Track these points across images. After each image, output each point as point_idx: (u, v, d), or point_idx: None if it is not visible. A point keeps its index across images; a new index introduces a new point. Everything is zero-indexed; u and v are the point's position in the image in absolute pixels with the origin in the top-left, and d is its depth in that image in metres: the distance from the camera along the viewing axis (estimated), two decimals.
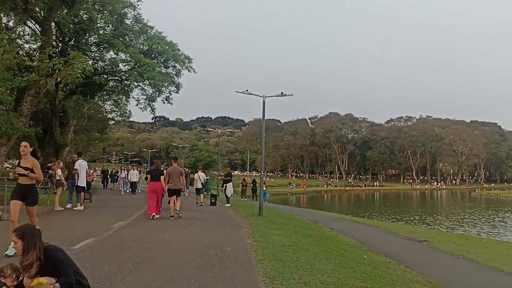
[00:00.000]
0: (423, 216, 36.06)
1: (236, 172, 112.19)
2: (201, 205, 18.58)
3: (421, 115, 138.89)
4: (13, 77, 13.95)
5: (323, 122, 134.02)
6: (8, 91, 13.43)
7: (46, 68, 15.22)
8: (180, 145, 77.89)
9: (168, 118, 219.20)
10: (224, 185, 19.67)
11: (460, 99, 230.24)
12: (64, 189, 14.22)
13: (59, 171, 13.77)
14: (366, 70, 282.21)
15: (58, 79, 17.65)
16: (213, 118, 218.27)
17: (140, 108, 32.50)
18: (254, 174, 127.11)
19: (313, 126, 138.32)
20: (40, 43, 18.03)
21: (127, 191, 26.43)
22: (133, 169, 26.83)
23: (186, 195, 24.69)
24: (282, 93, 14.26)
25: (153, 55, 30.03)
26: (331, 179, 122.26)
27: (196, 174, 20.65)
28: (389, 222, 25.71)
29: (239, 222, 12.27)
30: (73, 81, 17.07)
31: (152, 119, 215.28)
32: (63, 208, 13.68)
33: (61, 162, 14.85)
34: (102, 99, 37.57)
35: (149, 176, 13.25)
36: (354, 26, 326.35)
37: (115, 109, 56.83)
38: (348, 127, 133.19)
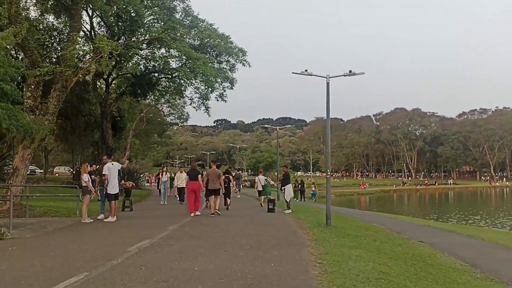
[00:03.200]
0: None
1: (299, 172, 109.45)
2: (262, 205, 19.43)
3: (497, 107, 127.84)
4: (25, 67, 12.16)
5: (388, 118, 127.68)
6: (15, 82, 11.62)
7: (71, 57, 13.39)
8: (239, 147, 76.15)
9: (230, 121, 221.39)
10: (282, 188, 16.81)
11: None
12: (92, 197, 12.17)
13: (85, 176, 11.69)
14: (433, 62, 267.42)
15: (89, 70, 15.81)
16: (274, 119, 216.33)
17: (194, 107, 30.67)
18: (318, 175, 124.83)
19: (378, 123, 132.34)
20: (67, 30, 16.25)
21: (165, 201, 19.20)
22: (181, 172, 19.59)
23: (238, 196, 25.93)
24: (350, 71, 11.40)
25: (205, 50, 27.97)
26: (400, 178, 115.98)
27: (256, 178, 22.25)
28: (492, 229, 21.66)
29: (300, 236, 9.50)
30: (104, 70, 15.05)
31: (214, 122, 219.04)
32: (92, 220, 11.68)
33: (90, 165, 12.78)
34: (156, 99, 36.05)
35: (187, 176, 15.13)
36: (415, 17, 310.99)
37: (172, 111, 56.51)
38: (416, 123, 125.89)
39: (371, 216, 19.94)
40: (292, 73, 11.72)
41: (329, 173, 11.82)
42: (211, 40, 27.71)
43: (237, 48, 28.24)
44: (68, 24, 15.41)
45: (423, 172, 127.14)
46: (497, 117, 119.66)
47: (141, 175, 49.79)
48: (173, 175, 22.86)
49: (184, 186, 17.13)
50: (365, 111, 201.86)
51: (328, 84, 11.39)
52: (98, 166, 14.42)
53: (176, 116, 56.89)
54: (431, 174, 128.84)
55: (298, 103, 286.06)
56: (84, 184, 11.77)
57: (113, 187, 12.00)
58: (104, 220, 11.92)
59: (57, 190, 18.71)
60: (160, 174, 21.18)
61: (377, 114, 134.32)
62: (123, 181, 16.74)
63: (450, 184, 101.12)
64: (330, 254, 7.24)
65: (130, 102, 33.00)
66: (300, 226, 11.47)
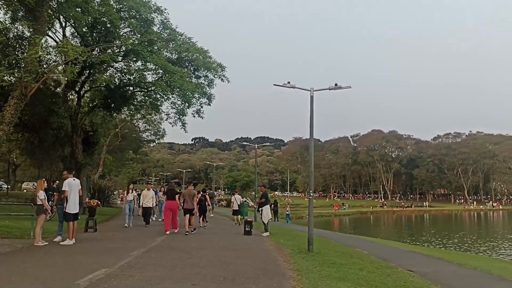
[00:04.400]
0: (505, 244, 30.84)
1: (276, 192, 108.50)
2: (237, 224, 20.17)
3: (470, 131, 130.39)
4: None
5: (365, 140, 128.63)
6: None
7: (31, 62, 12.21)
8: (215, 165, 74.94)
9: (208, 139, 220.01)
10: (260, 209, 15.72)
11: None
12: (48, 217, 10.88)
13: (40, 194, 10.38)
14: (408, 85, 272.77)
15: (59, 81, 14.68)
16: (252, 138, 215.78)
17: (170, 123, 29.56)
18: (296, 195, 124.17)
19: (355, 144, 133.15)
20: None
21: (131, 223, 16.59)
22: (148, 189, 17.68)
23: (211, 215, 25.44)
24: (336, 84, 10.61)
25: (183, 65, 27.03)
26: (376, 199, 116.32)
27: (232, 197, 21.94)
28: (478, 255, 20.99)
29: (281, 265, 8.48)
30: (68, 77, 13.87)
31: (192, 140, 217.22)
32: (46, 243, 10.38)
33: (51, 181, 11.46)
34: (131, 114, 34.75)
35: (165, 196, 15.76)
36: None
37: (148, 127, 55.13)
38: (392, 145, 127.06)
39: (352, 239, 19.06)
40: (274, 85, 10.88)
41: (311, 194, 10.86)
42: (189, 54, 26.86)
43: (216, 63, 27.39)
44: (30, 27, 14.21)
45: (399, 194, 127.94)
46: (470, 141, 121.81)
47: (114, 193, 48.04)
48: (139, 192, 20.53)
49: (151, 206, 16.59)
50: (343, 132, 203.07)
51: (312, 97, 10.58)
52: (58, 182, 13.12)
53: (152, 132, 55.57)
54: (407, 196, 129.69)
55: (276, 123, 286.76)
56: (39, 202, 10.44)
57: (73, 206, 10.70)
58: (61, 243, 10.57)
59: (18, 208, 17.08)
60: (126, 192, 18.03)
61: (354, 135, 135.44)
62: (87, 199, 15.49)
63: (426, 206, 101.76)
64: None
65: (104, 116, 31.66)
66: (280, 252, 10.47)
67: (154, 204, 18.04)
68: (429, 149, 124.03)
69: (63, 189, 10.74)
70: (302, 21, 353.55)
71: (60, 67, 12.31)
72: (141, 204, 17.10)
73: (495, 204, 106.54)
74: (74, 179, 10.86)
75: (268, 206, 15.61)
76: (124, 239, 12.22)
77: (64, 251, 9.46)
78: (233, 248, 11.02)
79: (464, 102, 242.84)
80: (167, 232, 14.17)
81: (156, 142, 65.68)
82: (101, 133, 32.89)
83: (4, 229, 11.56)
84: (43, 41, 13.81)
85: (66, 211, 10.57)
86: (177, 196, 15.25)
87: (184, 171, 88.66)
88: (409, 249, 15.22)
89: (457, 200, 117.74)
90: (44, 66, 12.91)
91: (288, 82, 10.69)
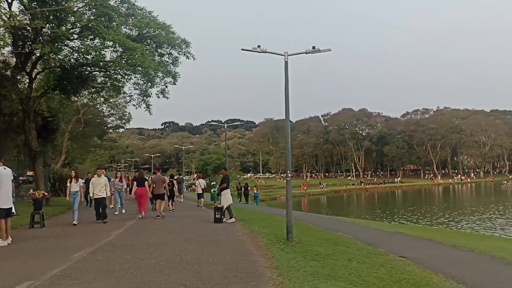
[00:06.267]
0: (478, 217, 30.55)
1: (249, 174, 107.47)
2: (202, 207, 21.08)
3: (438, 107, 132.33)
4: None
5: (336, 118, 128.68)
6: None
7: None
8: (184, 148, 73.09)
9: (178, 124, 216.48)
10: (220, 194, 14.38)
11: (478, 88, 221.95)
12: None
13: None
14: (378, 63, 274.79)
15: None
16: (223, 121, 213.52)
17: (134, 105, 27.83)
18: (268, 176, 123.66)
19: (326, 124, 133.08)
20: None
21: (75, 220, 13.22)
22: (98, 175, 14.08)
23: (181, 200, 26.39)
24: (314, 47, 9.14)
25: (144, 42, 25.10)
26: (348, 178, 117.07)
27: (196, 181, 22.72)
28: (473, 233, 20.13)
29: (257, 261, 7.08)
30: None
31: (162, 124, 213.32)
32: None
33: None
34: (92, 97, 32.51)
35: (134, 182, 15.93)
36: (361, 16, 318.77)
37: (113, 112, 52.73)
38: (363, 123, 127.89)
39: (332, 222, 17.92)
40: (242, 49, 9.32)
41: (289, 175, 9.47)
42: (151, 29, 25.02)
43: (180, 39, 25.58)
44: None
45: (370, 172, 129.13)
46: (438, 116, 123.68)
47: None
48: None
49: (104, 196, 13.68)
50: (313, 112, 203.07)
51: (286, 63, 9.12)
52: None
53: (117, 117, 53.26)
54: (378, 173, 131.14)
55: (247, 105, 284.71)
56: None
57: (5, 200, 8.93)
58: None
59: None
60: (69, 180, 13.82)
61: (325, 115, 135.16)
62: (31, 190, 13.66)
63: (397, 182, 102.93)
64: None
65: (61, 101, 29.35)
66: (255, 243, 9.07)
67: (109, 194, 14.78)
68: (399, 126, 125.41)
69: None
70: None
71: None
72: (91, 195, 14.11)
73: (463, 177, 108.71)
74: (4, 168, 9.08)
75: (228, 190, 14.36)
76: (72, 236, 10.55)
77: None
78: (200, 241, 9.54)
79: (431, 77, 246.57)
80: (140, 216, 15.15)
81: (124, 128, 63.47)
82: (61, 118, 30.62)
83: None
84: None
85: None
86: (146, 183, 15.92)
87: (152, 156, 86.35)
88: (393, 230, 14.13)
89: (426, 176, 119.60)
90: None
91: (258, 46, 9.19)
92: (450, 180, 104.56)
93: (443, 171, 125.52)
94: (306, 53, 9.26)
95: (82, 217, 13.70)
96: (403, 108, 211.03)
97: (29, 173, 41.73)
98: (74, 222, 13.05)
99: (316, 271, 6.39)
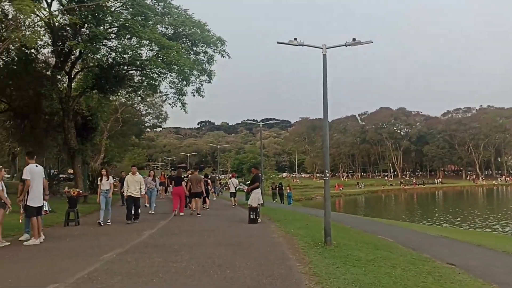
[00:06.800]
0: None
1: (284, 174, 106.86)
2: (235, 205, 21.73)
3: (481, 105, 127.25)
4: None
5: (373, 118, 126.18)
6: None
7: None
8: (219, 147, 73.31)
9: (214, 123, 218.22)
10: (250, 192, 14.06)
11: None
12: (7, 211, 9.01)
13: None
14: (417, 60, 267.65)
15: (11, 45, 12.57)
16: (258, 121, 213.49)
17: (169, 104, 28.06)
18: (304, 176, 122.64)
19: (363, 123, 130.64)
20: None
21: (106, 221, 12.68)
22: (133, 173, 13.55)
23: (215, 198, 27.18)
24: (354, 39, 8.61)
25: (179, 41, 25.12)
26: (386, 178, 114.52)
27: (229, 180, 23.91)
28: None
29: (293, 266, 6.63)
30: (30, 44, 11.95)
31: (198, 124, 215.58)
32: (7, 243, 8.61)
33: (3, 169, 9.52)
34: (129, 96, 32.90)
35: (173, 181, 17.86)
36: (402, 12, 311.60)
37: (150, 111, 53.47)
38: (401, 122, 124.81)
39: (370, 223, 17.23)
40: (278, 42, 8.88)
41: (328, 174, 8.95)
42: (186, 28, 24.95)
43: (215, 37, 25.40)
44: None
45: (408, 172, 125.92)
46: (481, 115, 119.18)
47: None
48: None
49: (139, 196, 13.02)
50: (350, 111, 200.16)
51: (325, 56, 8.62)
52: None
53: (154, 116, 53.96)
54: (417, 174, 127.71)
55: (283, 104, 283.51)
56: None
57: (36, 198, 8.84)
58: (24, 243, 8.81)
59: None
60: (99, 179, 13.22)
61: (362, 114, 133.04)
62: (66, 187, 13.61)
63: (437, 183, 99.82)
64: None
65: (99, 100, 29.83)
66: (291, 246, 8.63)
67: (143, 193, 13.82)
68: (439, 125, 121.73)
69: (23, 177, 8.90)
70: None
71: (27, 32, 10.35)
72: (125, 194, 13.37)
73: (508, 179, 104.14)
74: (36, 166, 9.02)
75: (259, 190, 13.92)
76: (105, 235, 10.37)
77: (21, 256, 7.56)
78: (233, 242, 9.16)
79: (472, 78, 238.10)
80: (174, 212, 15.68)
81: (161, 127, 64.38)
82: (99, 117, 31.17)
83: None
84: None
85: (27, 204, 8.74)
86: (183, 182, 16.58)
87: (188, 155, 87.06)
88: (436, 233, 13.34)
89: (468, 176, 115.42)
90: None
91: (295, 39, 8.74)
92: (493, 181, 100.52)
93: (486, 172, 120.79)
94: (346, 45, 8.74)
95: (117, 215, 13.51)
96: (443, 107, 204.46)
97: (70, 171, 42.77)
98: (103, 222, 12.39)
99: (358, 279, 5.90)
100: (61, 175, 37.76)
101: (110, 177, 13.06)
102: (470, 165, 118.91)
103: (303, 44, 8.82)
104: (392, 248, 9.41)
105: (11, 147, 42.31)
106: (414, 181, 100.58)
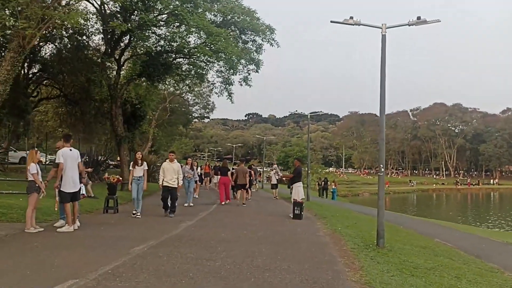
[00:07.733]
0: None
1: (330, 169, 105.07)
2: (277, 198, 22.16)
3: None
4: None
5: (426, 113, 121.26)
6: None
7: (36, 9, 9.85)
8: (265, 138, 72.70)
9: (261, 115, 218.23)
10: (291, 186, 13.75)
11: None
12: (41, 196, 8.70)
13: (32, 167, 8.09)
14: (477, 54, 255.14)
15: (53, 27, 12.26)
16: (306, 114, 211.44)
17: (216, 93, 27.76)
18: (350, 171, 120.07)
19: (415, 119, 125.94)
20: None
21: (138, 212, 11.54)
22: (171, 161, 12.25)
23: (255, 190, 26.74)
24: (419, 17, 7.60)
25: (228, 28, 24.64)
26: (437, 176, 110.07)
27: (271, 172, 23.80)
28: None
29: (341, 272, 5.86)
30: (73, 24, 11.67)
31: (245, 116, 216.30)
32: (41, 229, 8.31)
33: (39, 152, 9.19)
34: (176, 85, 32.90)
35: (219, 172, 18.89)
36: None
37: (197, 101, 53.66)
38: (456, 119, 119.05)
39: (424, 224, 16.03)
40: (331, 21, 8.00)
41: (382, 169, 8.00)
42: (235, 15, 24.41)
43: (264, 25, 24.77)
44: None
45: (462, 171, 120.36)
46: None
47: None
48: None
49: (175, 186, 11.72)
50: (401, 107, 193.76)
51: (384, 37, 7.68)
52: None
53: (201, 106, 54.15)
54: (471, 173, 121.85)
55: (332, 98, 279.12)
56: (30, 178, 8.25)
57: (70, 183, 8.42)
58: (58, 230, 8.46)
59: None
60: (132, 163, 12.07)
61: (414, 109, 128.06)
62: (106, 174, 13.34)
63: (494, 184, 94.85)
64: None
65: (147, 87, 29.96)
66: (339, 247, 7.81)
67: (181, 183, 12.28)
68: (498, 123, 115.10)
69: (56, 161, 8.55)
70: None
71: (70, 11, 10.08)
72: (159, 183, 12.12)
73: None
74: (71, 149, 8.63)
75: (300, 183, 13.19)
76: (141, 225, 9.90)
77: (52, 243, 7.15)
78: (275, 240, 8.41)
79: None
80: (222, 203, 16.07)
81: (209, 117, 64.60)
82: (148, 105, 31.34)
83: (3, 209, 9.64)
84: None
85: (61, 189, 8.39)
86: (229, 173, 17.33)
87: (234, 146, 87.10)
88: (502, 239, 12.06)
89: None
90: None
91: (351, 18, 7.85)
92: None
93: None
94: (409, 24, 7.75)
95: (157, 204, 12.98)
96: (503, 104, 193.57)
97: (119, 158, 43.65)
98: (134, 212, 11.52)
99: None
100: (110, 162, 38.53)
101: (145, 163, 11.95)
102: None
103: (360, 23, 7.90)
104: (453, 254, 8.39)
105: (63, 133, 43.62)
106: (468, 181, 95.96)
